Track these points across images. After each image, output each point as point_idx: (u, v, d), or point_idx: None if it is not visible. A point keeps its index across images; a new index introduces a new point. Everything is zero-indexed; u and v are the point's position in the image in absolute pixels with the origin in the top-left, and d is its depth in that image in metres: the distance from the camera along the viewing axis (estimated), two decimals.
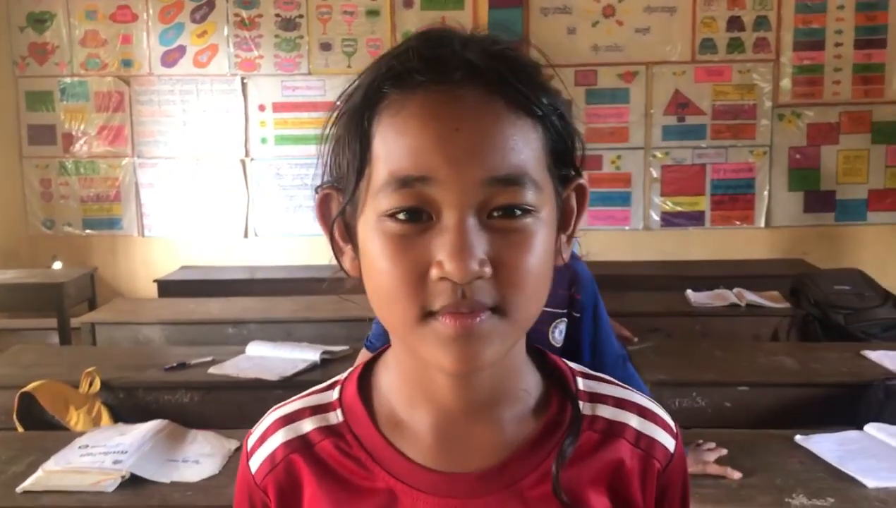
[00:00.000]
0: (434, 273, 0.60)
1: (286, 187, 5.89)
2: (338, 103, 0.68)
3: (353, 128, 0.64)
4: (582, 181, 0.70)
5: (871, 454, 1.79)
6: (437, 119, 0.60)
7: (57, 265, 5.70)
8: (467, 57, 0.63)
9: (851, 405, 2.22)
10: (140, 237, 5.95)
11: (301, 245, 5.85)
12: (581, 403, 0.70)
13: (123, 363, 2.61)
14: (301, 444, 0.72)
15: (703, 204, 5.89)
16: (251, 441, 0.75)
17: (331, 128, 0.68)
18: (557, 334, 1.56)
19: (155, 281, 4.84)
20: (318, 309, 3.49)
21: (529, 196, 0.61)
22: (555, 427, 0.69)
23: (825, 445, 1.82)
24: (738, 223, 5.87)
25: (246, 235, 5.91)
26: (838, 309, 3.06)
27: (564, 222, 0.69)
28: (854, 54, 5.73)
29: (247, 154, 5.88)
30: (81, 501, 1.66)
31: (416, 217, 0.60)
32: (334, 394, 0.74)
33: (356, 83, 0.66)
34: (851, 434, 1.91)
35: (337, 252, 0.71)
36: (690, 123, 5.82)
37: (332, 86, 5.79)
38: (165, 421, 1.95)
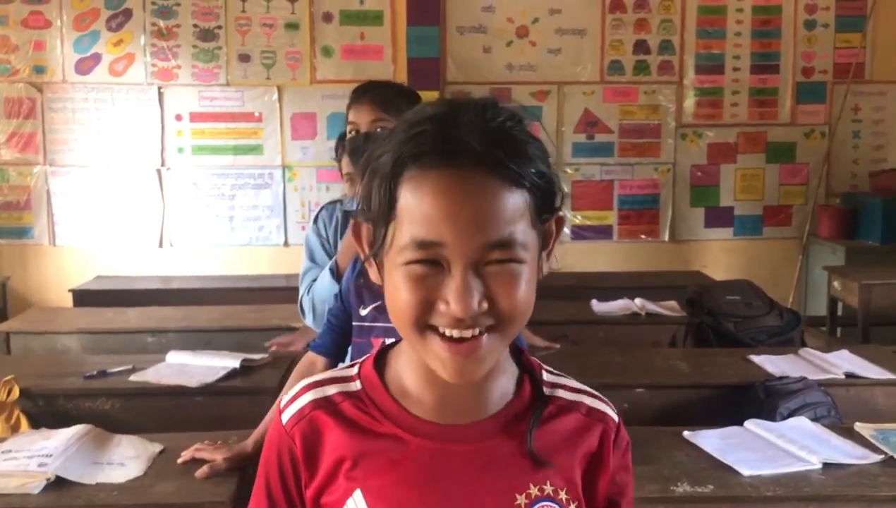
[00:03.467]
0: (442, 307, 0.81)
1: (203, 197, 5.89)
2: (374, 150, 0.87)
3: (382, 190, 0.83)
4: (561, 214, 0.92)
5: (749, 446, 1.98)
6: (447, 196, 0.79)
7: None
8: (472, 144, 0.80)
9: (736, 404, 2.42)
10: (52, 246, 5.85)
11: (217, 255, 5.86)
12: (544, 388, 0.94)
13: (42, 371, 2.61)
14: (325, 403, 0.90)
15: (612, 218, 6.14)
16: (284, 400, 0.93)
17: (367, 173, 0.87)
18: None
19: (70, 290, 4.78)
20: (236, 318, 3.53)
21: (517, 252, 0.82)
22: (526, 402, 0.92)
23: (709, 440, 2.01)
24: (644, 237, 6.14)
25: (161, 245, 5.88)
26: (729, 318, 3.29)
27: (544, 243, 0.91)
28: (750, 78, 6.09)
29: (163, 163, 5.85)
30: (7, 503, 1.70)
31: (431, 264, 0.80)
32: (355, 370, 0.94)
33: (384, 148, 0.85)
34: (733, 429, 2.10)
35: (367, 264, 0.91)
36: (599, 141, 6.07)
37: (250, 98, 5.84)
38: (89, 426, 1.99)
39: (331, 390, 0.91)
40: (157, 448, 1.94)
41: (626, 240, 6.15)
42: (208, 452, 1.84)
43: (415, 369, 0.89)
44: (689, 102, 6.09)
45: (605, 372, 2.65)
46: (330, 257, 2.04)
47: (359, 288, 1.68)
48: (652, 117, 6.08)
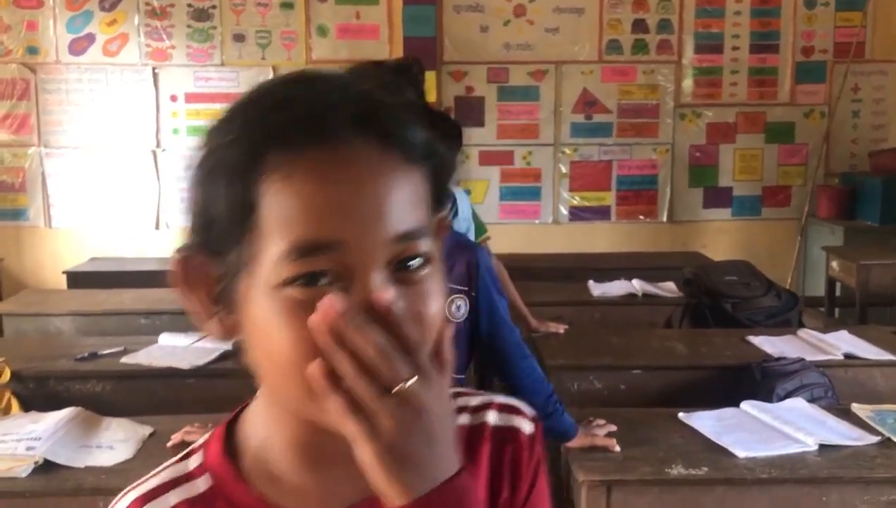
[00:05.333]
0: None
1: None
2: (198, 151, 0.61)
3: (230, 190, 0.57)
4: (444, 216, 0.67)
5: (744, 428, 1.96)
6: (335, 183, 0.56)
7: None
8: (352, 111, 0.58)
9: (733, 385, 2.41)
10: (47, 228, 5.83)
11: None
12: None
13: (33, 353, 2.60)
14: None
15: (609, 199, 6.11)
16: None
17: (194, 181, 0.61)
18: (455, 309, 1.68)
19: (64, 272, 4.76)
20: None
21: (425, 245, 0.59)
22: None
23: (705, 421, 1.99)
24: (642, 218, 6.11)
25: (157, 227, 5.85)
26: (727, 298, 3.27)
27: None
28: (749, 58, 6.03)
29: (158, 144, 5.82)
30: None
31: (315, 281, 0.56)
32: (196, 461, 0.68)
33: (221, 138, 0.59)
34: (728, 411, 2.08)
35: (200, 318, 0.63)
36: (598, 121, 6.02)
37: (245, 78, 5.79)
38: (79, 409, 1.98)
39: (171, 499, 0.65)
40: (147, 430, 1.92)
41: (624, 221, 6.12)
42: (198, 434, 1.81)
43: (289, 443, 0.64)
44: (688, 82, 6.05)
45: (601, 354, 2.64)
46: None
47: None
48: (650, 97, 6.04)
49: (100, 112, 5.77)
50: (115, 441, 1.85)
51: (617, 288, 3.59)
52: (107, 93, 5.77)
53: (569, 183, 6.05)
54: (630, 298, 3.51)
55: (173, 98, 5.82)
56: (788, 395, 2.24)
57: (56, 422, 1.88)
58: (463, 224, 2.08)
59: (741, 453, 1.84)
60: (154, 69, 5.77)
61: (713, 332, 3.02)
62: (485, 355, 1.82)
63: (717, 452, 1.87)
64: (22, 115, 5.77)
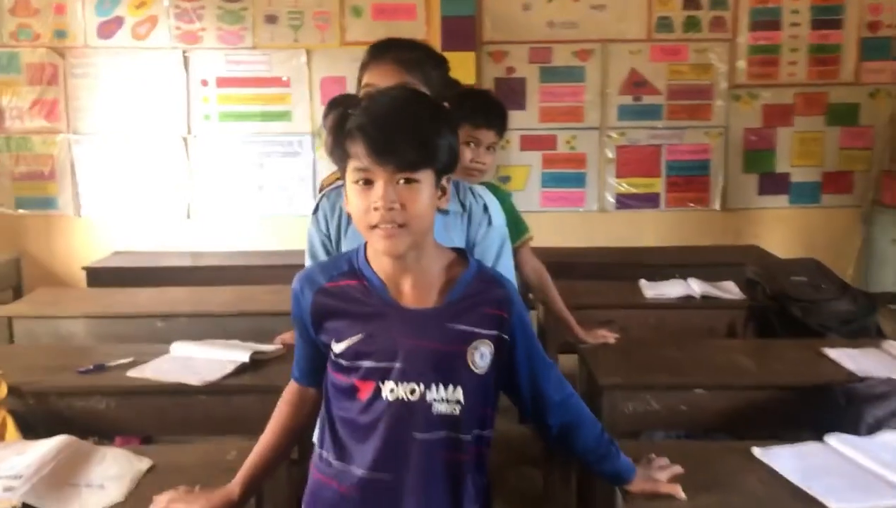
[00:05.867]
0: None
1: (230, 166, 5.67)
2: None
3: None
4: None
5: (834, 470, 1.67)
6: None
7: None
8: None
9: (811, 408, 2.12)
10: (76, 217, 5.69)
11: (245, 226, 5.65)
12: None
13: (35, 364, 2.38)
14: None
15: (659, 186, 5.80)
16: None
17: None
18: (479, 358, 1.38)
19: (83, 268, 4.59)
20: (253, 300, 3.28)
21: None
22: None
23: (786, 461, 1.70)
24: (692, 205, 5.80)
25: (189, 216, 5.68)
26: (795, 302, 2.95)
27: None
28: (810, 35, 5.66)
29: (189, 131, 5.64)
30: None
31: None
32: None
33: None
34: (812, 446, 1.78)
35: None
36: (646, 103, 5.72)
37: (277, 61, 5.58)
38: (71, 438, 1.75)
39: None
40: (145, 465, 1.70)
41: (673, 209, 5.81)
42: (184, 503, 1.50)
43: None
44: (743, 61, 5.68)
45: (658, 370, 2.35)
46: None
47: (321, 313, 1.43)
48: (703, 77, 5.70)
49: (129, 97, 5.61)
50: (107, 479, 1.62)
51: (672, 288, 3.29)
52: (136, 77, 5.60)
53: (615, 168, 5.76)
54: (687, 300, 3.21)
55: (204, 82, 5.63)
56: (880, 424, 1.94)
57: (42, 455, 1.66)
58: (496, 241, 1.76)
59: (834, 504, 1.54)
60: (184, 52, 5.58)
61: (784, 344, 2.70)
62: (523, 406, 1.50)
63: (805, 501, 1.57)
64: (51, 101, 5.63)
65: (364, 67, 1.79)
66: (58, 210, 5.69)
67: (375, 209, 1.31)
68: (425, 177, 1.34)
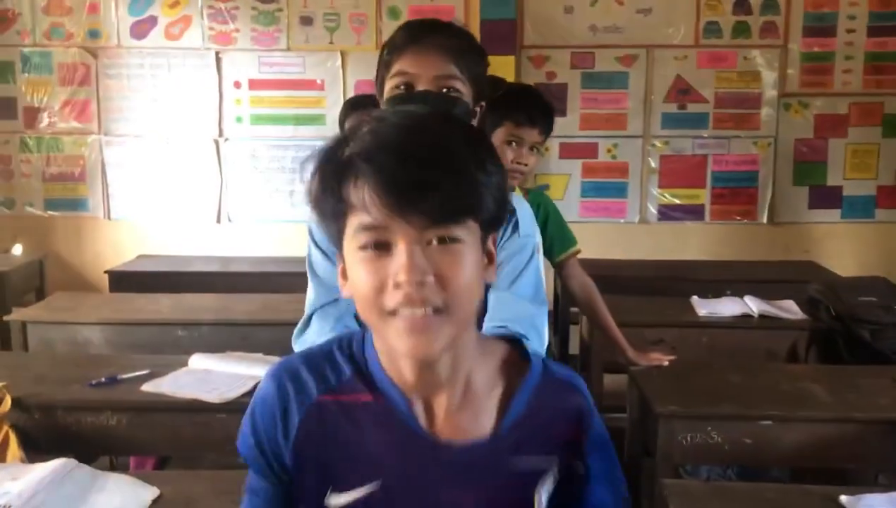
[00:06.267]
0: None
1: (262, 170, 5.55)
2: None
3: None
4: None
5: None
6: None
7: (17, 249, 5.34)
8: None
9: (893, 445, 1.90)
10: (106, 220, 5.62)
11: (276, 232, 5.52)
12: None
13: (45, 374, 2.24)
14: None
15: (704, 197, 5.59)
16: None
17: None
18: (545, 497, 0.95)
19: (106, 272, 4.47)
20: (277, 309, 3.12)
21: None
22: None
23: None
24: (738, 218, 5.58)
25: (219, 221, 5.57)
26: (864, 324, 2.72)
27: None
28: (867, 42, 5.41)
29: (220, 133, 5.54)
30: None
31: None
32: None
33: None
34: None
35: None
36: (692, 111, 5.52)
37: (312, 63, 5.46)
38: (71, 462, 1.60)
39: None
40: (151, 494, 1.54)
41: (718, 222, 5.58)
42: None
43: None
44: (795, 69, 5.44)
45: (720, 398, 2.14)
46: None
47: (311, 445, 0.96)
48: (752, 85, 5.47)
49: (161, 99, 5.53)
50: None
51: (727, 306, 3.07)
52: (169, 78, 5.51)
53: (658, 179, 5.55)
54: (744, 320, 2.99)
55: (237, 84, 5.52)
56: None
57: (38, 482, 1.50)
58: (523, 250, 1.46)
59: None
60: (217, 53, 5.48)
61: (855, 371, 2.48)
62: None
63: None
64: (82, 102, 5.56)
65: (396, 51, 1.47)
66: (88, 211, 5.62)
67: (396, 286, 0.85)
68: (468, 236, 0.88)
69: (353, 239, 0.89)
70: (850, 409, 2.11)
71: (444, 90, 1.44)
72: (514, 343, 1.02)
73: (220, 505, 1.47)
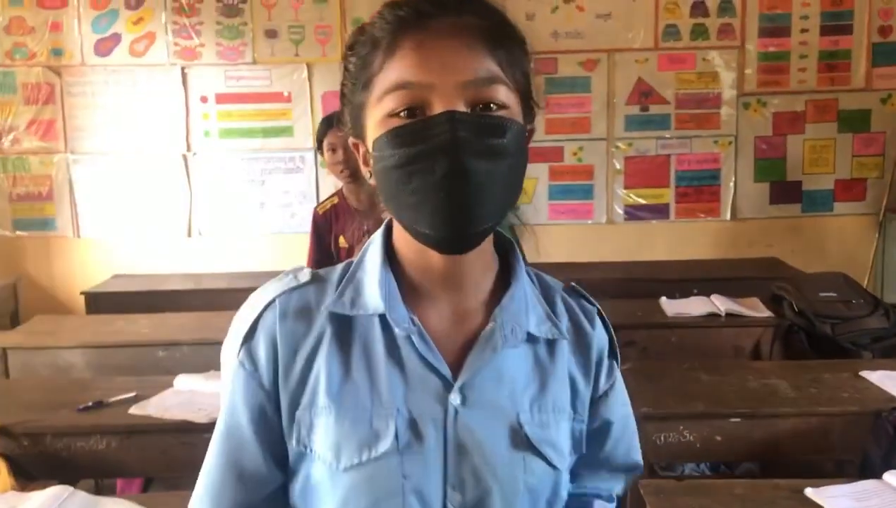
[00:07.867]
0: None
1: (231, 183, 5.56)
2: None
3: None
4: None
5: None
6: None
7: None
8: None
9: (856, 437, 1.99)
10: (76, 238, 5.58)
11: (248, 244, 5.54)
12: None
13: (30, 400, 2.26)
14: None
15: (668, 196, 5.69)
16: None
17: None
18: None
19: (82, 293, 4.46)
20: None
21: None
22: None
23: (842, 501, 1.58)
24: (703, 216, 5.70)
25: (189, 234, 5.56)
26: (825, 319, 2.83)
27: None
28: (820, 41, 5.55)
29: (189, 148, 5.53)
30: None
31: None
32: None
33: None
34: (869, 485, 1.66)
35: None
36: (654, 113, 5.61)
37: (278, 76, 5.48)
38: (67, 489, 1.63)
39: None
40: None
41: (683, 220, 5.69)
42: None
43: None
44: (752, 68, 5.57)
45: (691, 397, 2.23)
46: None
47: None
48: (712, 85, 5.59)
49: (127, 115, 5.50)
50: None
51: (695, 306, 3.16)
52: (134, 95, 5.50)
53: (623, 179, 5.64)
54: (711, 319, 3.09)
55: (203, 99, 5.52)
56: None
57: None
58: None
59: None
60: (183, 69, 5.47)
61: (818, 365, 2.57)
62: None
63: None
64: (48, 121, 5.52)
65: (386, 50, 0.93)
66: (56, 231, 5.58)
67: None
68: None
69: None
70: (813, 404, 2.20)
71: (480, 106, 0.86)
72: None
73: None
